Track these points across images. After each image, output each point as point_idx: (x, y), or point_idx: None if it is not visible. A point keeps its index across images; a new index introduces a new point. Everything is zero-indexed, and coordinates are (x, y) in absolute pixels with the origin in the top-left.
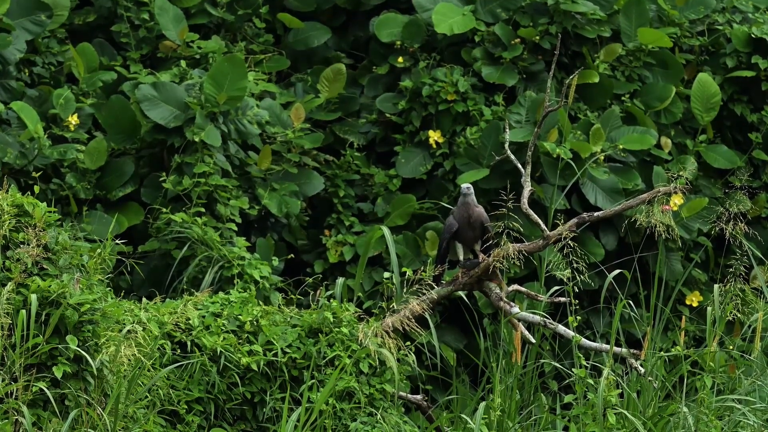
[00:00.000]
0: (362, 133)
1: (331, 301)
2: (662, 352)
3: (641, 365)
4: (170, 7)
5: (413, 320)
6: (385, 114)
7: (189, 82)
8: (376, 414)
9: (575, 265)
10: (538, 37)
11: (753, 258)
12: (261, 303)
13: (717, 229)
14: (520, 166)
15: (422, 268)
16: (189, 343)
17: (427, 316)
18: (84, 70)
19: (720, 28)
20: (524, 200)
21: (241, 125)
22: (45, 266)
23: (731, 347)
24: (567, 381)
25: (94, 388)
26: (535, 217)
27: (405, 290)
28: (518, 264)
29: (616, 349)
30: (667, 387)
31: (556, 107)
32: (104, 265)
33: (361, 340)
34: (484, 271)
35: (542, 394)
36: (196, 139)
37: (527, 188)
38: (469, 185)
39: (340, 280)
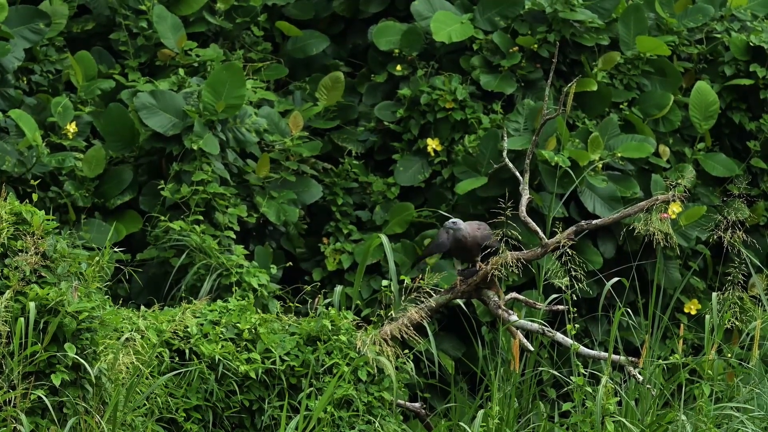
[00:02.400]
0: (360, 142)
1: (329, 309)
2: (660, 360)
3: (639, 373)
4: (168, 16)
5: (411, 328)
6: (384, 122)
7: (187, 90)
8: (374, 422)
9: (573, 273)
10: (536, 46)
11: (751, 266)
12: (259, 311)
13: (715, 237)
14: (518, 174)
15: (420, 276)
16: (187, 351)
17: (426, 324)
18: (82, 78)
19: (718, 36)
20: (522, 208)
21: (239, 133)
22: (43, 274)
23: (729, 355)
24: (565, 389)
25: (93, 395)
26: (533, 225)
27: (403, 298)
28: (516, 272)
29: (615, 357)
30: (666, 395)
31: (554, 115)
32: (102, 273)
33: (359, 348)
34: (483, 279)
35: (540, 402)
36: (195, 147)
37: (525, 196)
38: (455, 220)
39: (339, 288)
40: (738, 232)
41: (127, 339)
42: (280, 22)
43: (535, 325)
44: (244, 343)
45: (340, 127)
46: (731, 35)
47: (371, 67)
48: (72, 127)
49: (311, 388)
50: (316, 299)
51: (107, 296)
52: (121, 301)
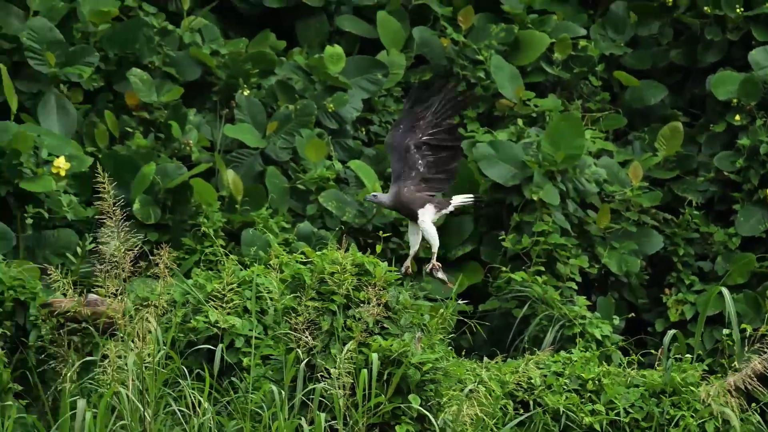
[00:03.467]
0: (700, 192)
1: (676, 361)
2: None
3: None
4: (506, 66)
5: (756, 379)
6: (723, 172)
7: (526, 140)
8: None
9: None
10: None
11: None
12: (603, 362)
13: None
14: None
15: (763, 326)
16: (531, 402)
17: None
18: None
19: None
20: None
21: (579, 184)
22: (386, 325)
23: None
24: None
25: None
26: None
27: (746, 348)
28: None
29: None
30: None
31: None
32: (446, 324)
33: (704, 400)
34: None
35: None
36: (535, 198)
37: None
38: (375, 193)
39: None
40: None
41: (470, 390)
42: (617, 71)
43: None
44: (588, 394)
45: (680, 177)
46: None
47: (709, 116)
48: None
49: None
50: (659, 351)
51: (450, 347)
52: (464, 353)
